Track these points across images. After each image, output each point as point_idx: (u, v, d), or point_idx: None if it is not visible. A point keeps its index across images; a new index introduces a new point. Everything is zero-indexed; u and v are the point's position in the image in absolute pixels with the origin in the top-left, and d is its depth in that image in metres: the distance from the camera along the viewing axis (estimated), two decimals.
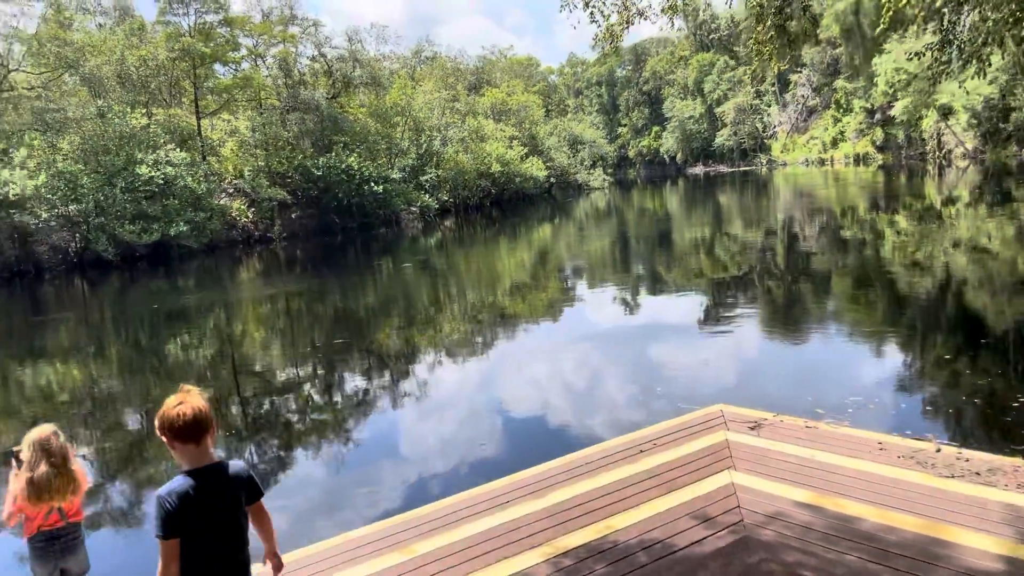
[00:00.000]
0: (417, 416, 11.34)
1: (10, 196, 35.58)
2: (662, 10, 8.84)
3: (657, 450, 7.04)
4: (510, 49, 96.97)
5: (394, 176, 52.44)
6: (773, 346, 13.86)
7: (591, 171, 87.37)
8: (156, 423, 3.05)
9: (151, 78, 47.76)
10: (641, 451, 7.09)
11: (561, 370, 13.11)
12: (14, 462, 4.58)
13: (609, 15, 8.71)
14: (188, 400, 3.00)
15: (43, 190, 36.62)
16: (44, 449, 4.46)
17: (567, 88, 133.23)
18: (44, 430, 4.60)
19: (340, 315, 21.66)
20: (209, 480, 2.95)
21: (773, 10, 8.55)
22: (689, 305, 18.43)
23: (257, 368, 15.95)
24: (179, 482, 2.93)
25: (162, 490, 2.93)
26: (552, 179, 76.70)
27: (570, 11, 8.90)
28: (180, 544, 2.84)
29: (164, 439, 3.03)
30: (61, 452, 4.52)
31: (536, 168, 69.73)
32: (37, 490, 4.36)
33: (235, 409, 12.90)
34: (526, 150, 69.63)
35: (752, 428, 7.43)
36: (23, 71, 43.20)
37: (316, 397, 13.10)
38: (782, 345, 13.90)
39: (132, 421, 12.66)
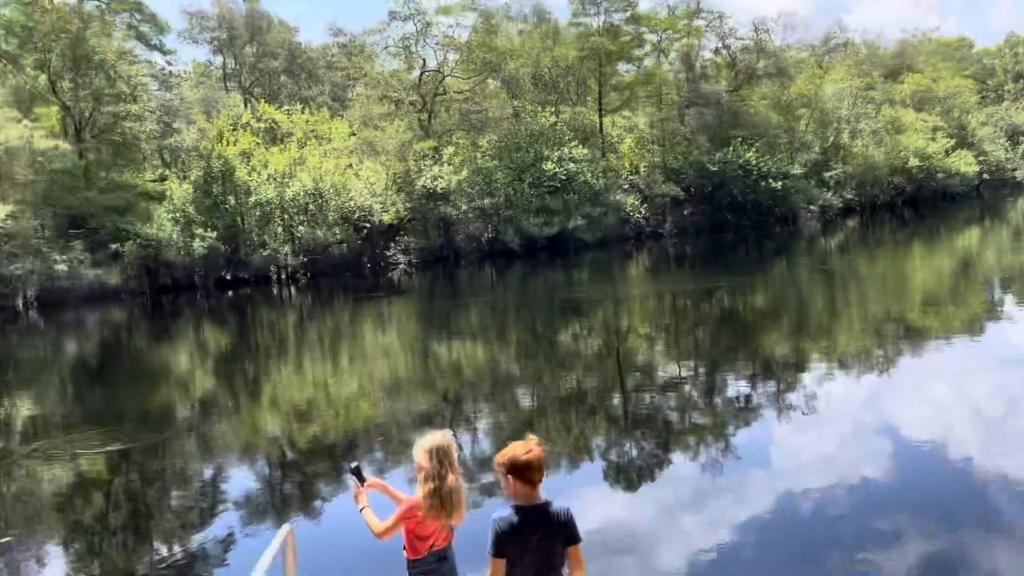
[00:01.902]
0: (803, 443, 9.83)
1: (438, 189, 40.23)
2: None
3: None
4: (935, 31, 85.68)
5: (794, 171, 49.31)
6: None
7: None
8: (499, 460, 3.43)
9: (560, 78, 50.71)
10: None
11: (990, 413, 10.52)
12: (355, 480, 4.30)
13: None
14: (534, 449, 3.39)
15: (464, 184, 40.81)
16: (449, 459, 3.95)
17: (1005, 72, 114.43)
18: (444, 437, 4.07)
19: (728, 317, 20.53)
20: (533, 517, 3.33)
21: None
22: None
23: (639, 363, 15.60)
24: (509, 512, 3.35)
25: (496, 515, 3.37)
26: (984, 175, 66.33)
27: None
28: (505, 549, 3.29)
29: (501, 473, 3.43)
30: (453, 463, 3.98)
31: (964, 163, 60.78)
32: (443, 504, 3.86)
33: (616, 402, 12.62)
34: (952, 142, 61.00)
35: None
36: (455, 76, 48.59)
37: (697, 401, 12.25)
38: None
39: (523, 405, 12.98)
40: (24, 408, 15.96)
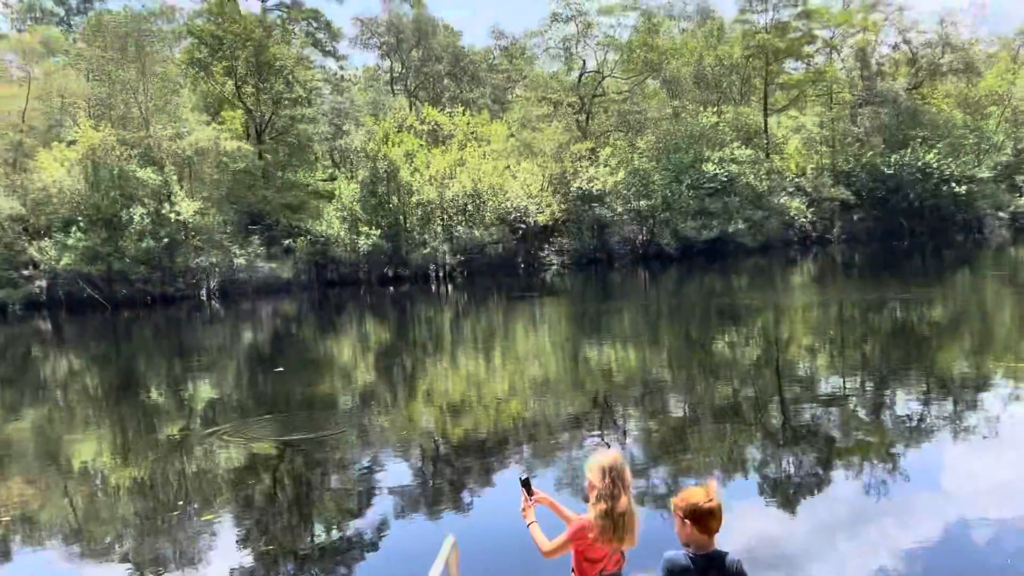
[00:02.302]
0: (978, 468, 8.92)
1: (594, 191, 40.09)
2: None
3: None
4: None
5: (981, 175, 45.46)
6: None
7: None
8: (678, 503, 3.44)
9: (724, 77, 49.28)
10: None
11: None
12: (524, 492, 4.23)
13: None
14: (715, 497, 3.40)
15: (620, 186, 40.45)
16: (623, 480, 3.78)
17: None
18: (616, 457, 3.90)
19: (900, 330, 19.13)
20: (703, 566, 3.32)
21: None
22: None
23: (800, 376, 14.80)
24: (680, 555, 3.38)
25: (669, 553, 3.39)
26: None
27: None
28: None
29: (679, 516, 3.43)
30: (625, 487, 3.80)
31: None
32: (615, 526, 3.70)
33: (773, 414, 12.02)
34: None
35: None
36: (614, 77, 48.26)
37: (862, 418, 11.42)
38: None
39: (674, 414, 12.62)
40: (205, 392, 17.23)
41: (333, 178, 43.83)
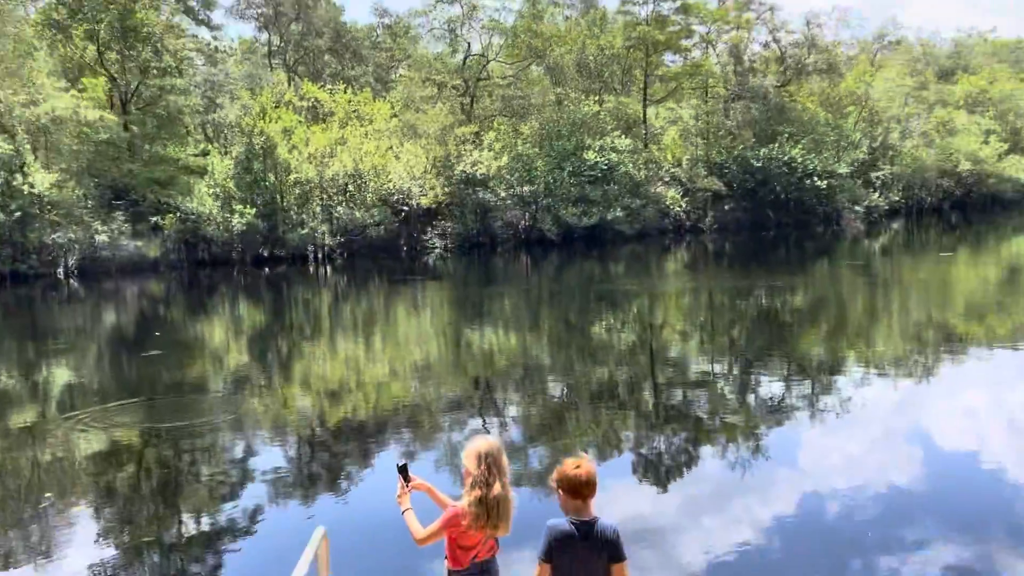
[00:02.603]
0: (833, 446, 9.52)
1: (478, 175, 40.08)
2: None
3: None
4: (992, 31, 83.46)
5: (841, 171, 48.34)
6: None
7: None
8: (554, 475, 3.65)
9: (606, 66, 50.19)
10: None
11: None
12: (401, 479, 4.11)
13: None
14: (584, 465, 3.60)
15: (504, 171, 40.59)
16: (498, 466, 3.74)
17: None
18: (493, 443, 3.85)
19: (765, 316, 20.14)
20: (582, 531, 3.56)
21: None
22: None
23: (672, 359, 15.35)
24: (562, 522, 3.58)
25: (550, 521, 3.58)
26: None
27: None
28: (553, 553, 3.51)
29: (555, 487, 3.65)
30: (506, 473, 3.79)
31: (1017, 168, 59.19)
32: (488, 513, 3.67)
33: (647, 396, 12.42)
34: (1005, 147, 59.41)
35: None
36: (499, 61, 48.30)
37: (728, 400, 11.97)
38: None
39: (553, 397, 12.80)
40: (62, 376, 16.16)
41: (206, 153, 41.87)
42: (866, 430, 10.16)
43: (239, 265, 37.05)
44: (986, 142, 58.02)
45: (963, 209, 57.04)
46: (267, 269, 36.50)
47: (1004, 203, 60.46)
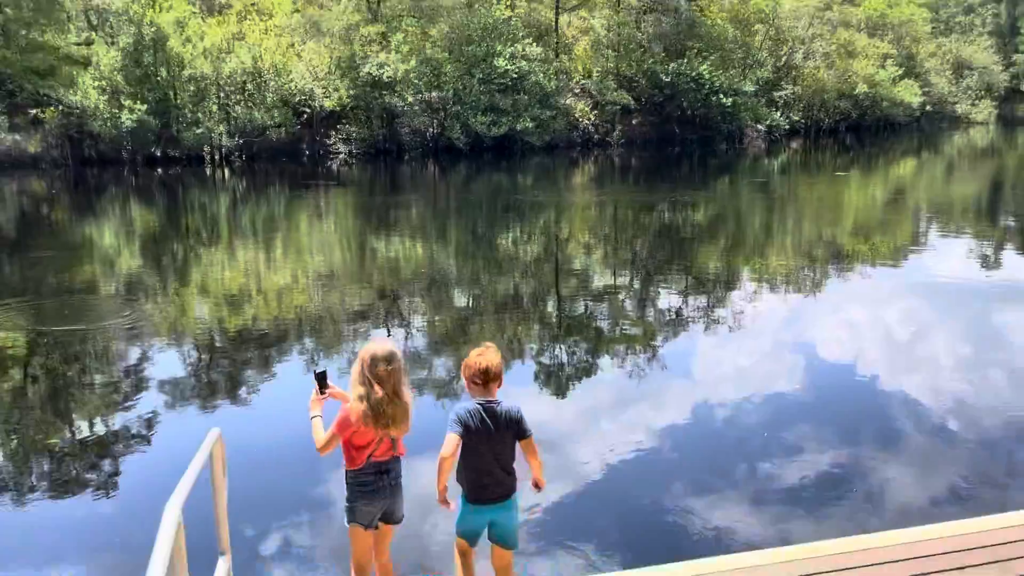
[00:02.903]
0: (724, 356, 10.02)
1: (384, 78, 38.81)
2: None
3: None
4: None
5: (746, 89, 49.07)
6: None
7: (976, 102, 75.20)
8: (463, 365, 3.92)
9: None
10: None
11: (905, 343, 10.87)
12: (317, 385, 4.04)
13: None
14: (487, 355, 3.81)
15: (412, 75, 39.41)
16: (388, 365, 3.71)
17: (958, 3, 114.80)
18: (383, 346, 3.80)
19: (666, 231, 20.63)
20: (487, 410, 3.80)
21: None
22: None
23: (576, 271, 15.62)
24: (470, 404, 3.83)
25: (459, 405, 3.86)
26: (927, 107, 67.26)
27: None
28: (460, 445, 3.70)
29: (464, 376, 3.93)
30: (398, 374, 3.76)
31: (909, 93, 61.45)
32: (374, 413, 3.65)
33: (550, 307, 12.65)
34: (900, 71, 61.46)
35: None
36: None
37: (628, 311, 12.33)
38: None
39: (458, 306, 12.88)
40: None
41: (90, 43, 38.91)
42: (756, 342, 10.67)
43: (129, 165, 35.19)
44: (883, 66, 59.83)
45: (857, 132, 59.14)
46: (160, 170, 34.81)
47: (894, 127, 62.96)
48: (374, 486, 3.79)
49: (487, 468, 3.78)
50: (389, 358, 3.74)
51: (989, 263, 15.99)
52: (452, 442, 3.68)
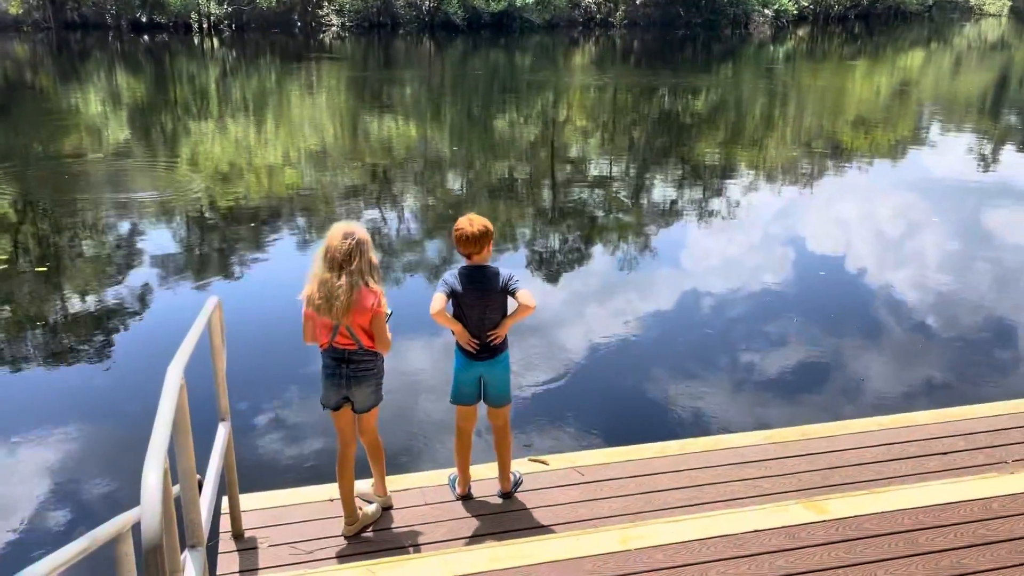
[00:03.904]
0: (715, 247, 10.09)
1: None
2: None
3: None
4: None
5: None
6: None
7: None
8: (453, 230, 3.91)
9: None
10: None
11: (885, 233, 10.93)
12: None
13: None
14: (475, 221, 3.85)
15: None
16: (336, 245, 3.49)
17: None
18: (340, 227, 3.57)
19: (665, 118, 20.30)
20: (476, 271, 3.89)
21: None
22: None
23: (572, 156, 15.46)
24: (458, 268, 3.92)
25: (447, 271, 3.96)
26: None
27: None
28: (451, 301, 3.84)
29: (455, 242, 3.94)
30: (346, 258, 3.49)
31: None
32: (324, 298, 3.46)
33: (544, 193, 12.60)
34: None
35: None
36: None
37: (623, 200, 12.30)
38: None
39: (452, 190, 12.80)
40: None
41: None
42: (747, 234, 10.70)
43: (114, 30, 34.00)
44: None
45: (867, 20, 57.34)
46: (146, 36, 33.68)
47: (905, 16, 61.02)
48: (331, 371, 3.66)
49: (476, 326, 3.87)
50: (346, 234, 3.53)
51: (987, 161, 15.87)
52: (438, 300, 3.76)
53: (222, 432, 3.22)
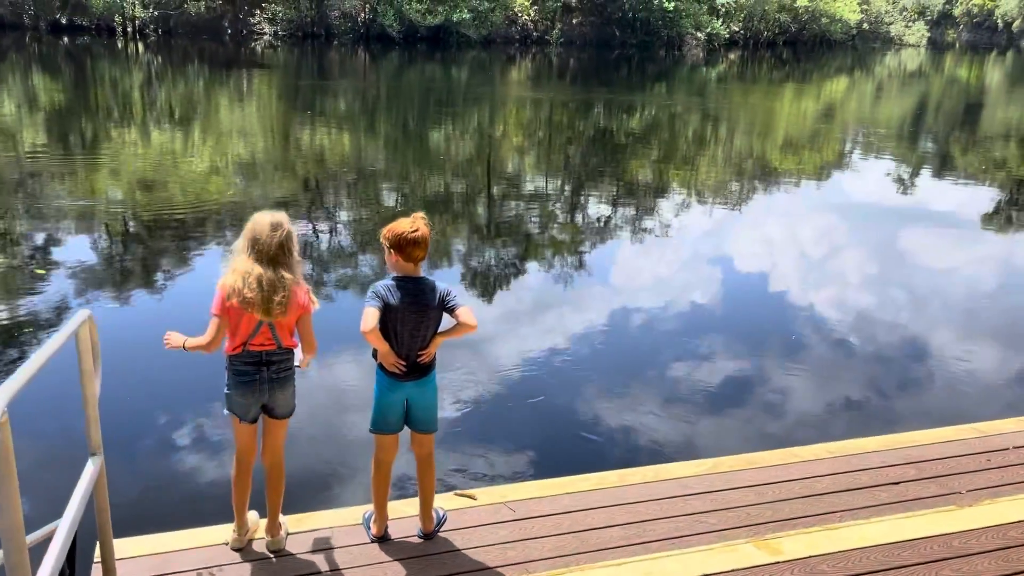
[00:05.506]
0: (646, 265, 9.96)
1: None
2: None
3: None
4: None
5: None
6: None
7: (910, 24, 75.78)
8: (385, 234, 3.46)
9: None
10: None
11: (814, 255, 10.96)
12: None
13: None
14: (419, 226, 3.42)
15: None
16: (258, 241, 3.22)
17: None
18: (266, 217, 3.27)
19: (600, 136, 20.25)
20: (412, 284, 3.49)
21: None
22: (982, 200, 14.54)
23: (508, 172, 15.20)
24: (390, 280, 3.49)
25: (378, 283, 3.50)
26: (864, 24, 67.42)
27: None
28: (380, 317, 3.39)
29: (386, 247, 3.49)
30: (279, 251, 3.22)
31: (848, 10, 61.38)
32: (240, 294, 3.15)
33: (479, 208, 12.30)
34: None
35: None
36: None
37: (557, 216, 12.07)
38: None
39: (385, 203, 12.38)
40: None
41: None
42: (677, 252, 10.62)
43: (31, 31, 32.55)
44: None
45: (794, 47, 59.05)
46: (66, 39, 32.33)
47: (830, 44, 63.09)
48: (250, 377, 3.31)
49: (406, 345, 3.46)
50: (274, 226, 3.24)
51: (905, 185, 16.18)
52: (371, 315, 3.34)
53: (90, 468, 2.75)
